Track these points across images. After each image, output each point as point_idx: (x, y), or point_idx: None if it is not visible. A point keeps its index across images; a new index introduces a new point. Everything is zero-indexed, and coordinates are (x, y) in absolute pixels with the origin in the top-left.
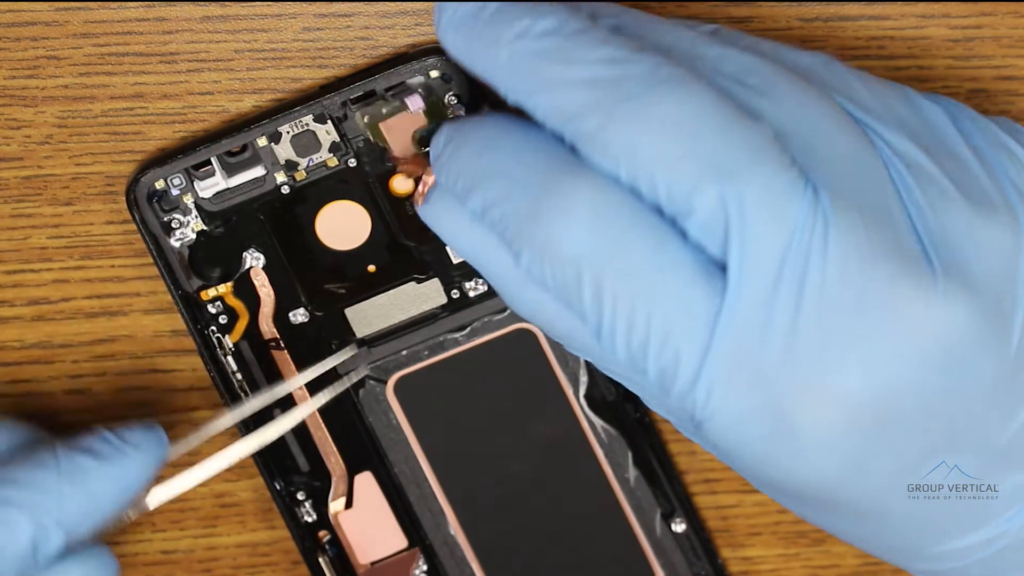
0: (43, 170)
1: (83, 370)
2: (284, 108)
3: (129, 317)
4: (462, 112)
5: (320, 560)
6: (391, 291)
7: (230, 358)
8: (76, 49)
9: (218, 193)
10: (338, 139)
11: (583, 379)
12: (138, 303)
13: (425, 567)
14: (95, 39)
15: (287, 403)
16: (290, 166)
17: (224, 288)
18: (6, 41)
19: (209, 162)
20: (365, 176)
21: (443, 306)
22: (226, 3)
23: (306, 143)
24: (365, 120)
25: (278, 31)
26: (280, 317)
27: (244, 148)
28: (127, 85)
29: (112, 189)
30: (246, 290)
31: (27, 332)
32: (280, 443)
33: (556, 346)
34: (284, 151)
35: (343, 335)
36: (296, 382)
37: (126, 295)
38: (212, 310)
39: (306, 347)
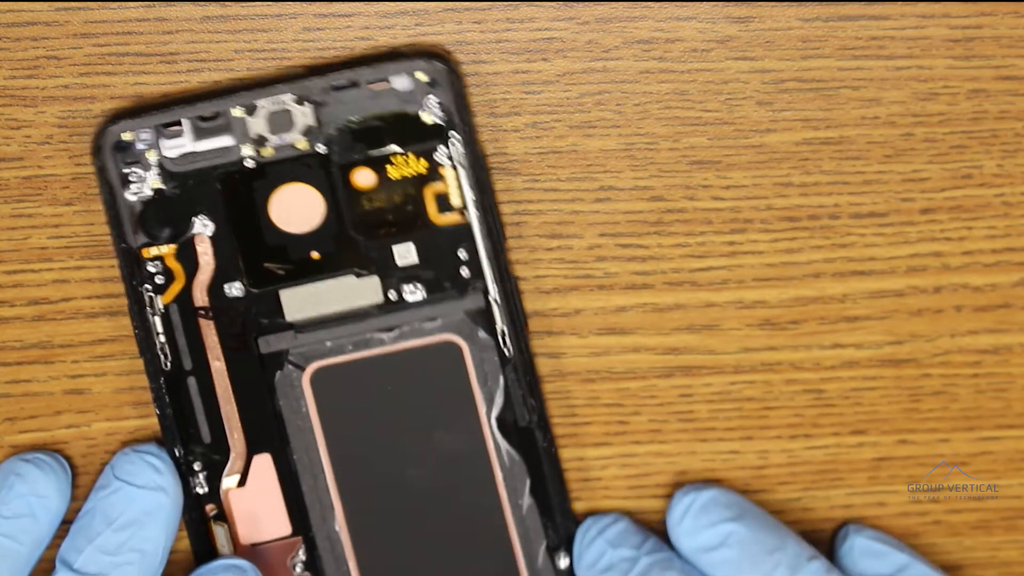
0: (43, 170)
1: (83, 370)
2: (266, 82)
3: (129, 317)
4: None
5: (213, 528)
6: (329, 280)
7: (157, 318)
8: (76, 49)
9: (183, 155)
10: (313, 123)
11: (498, 400)
12: None
13: (303, 558)
14: (95, 39)
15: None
16: (259, 141)
17: (167, 249)
18: (6, 41)
19: (179, 122)
20: (330, 165)
21: (378, 305)
22: (226, 3)
23: (281, 121)
24: None
25: (278, 31)
26: (215, 288)
27: (218, 115)
28: (127, 85)
29: None
30: (188, 255)
31: (27, 332)
32: (188, 411)
33: (478, 363)
34: (257, 125)
35: (273, 316)
36: None
37: (126, 295)
38: (151, 268)
39: (234, 321)
